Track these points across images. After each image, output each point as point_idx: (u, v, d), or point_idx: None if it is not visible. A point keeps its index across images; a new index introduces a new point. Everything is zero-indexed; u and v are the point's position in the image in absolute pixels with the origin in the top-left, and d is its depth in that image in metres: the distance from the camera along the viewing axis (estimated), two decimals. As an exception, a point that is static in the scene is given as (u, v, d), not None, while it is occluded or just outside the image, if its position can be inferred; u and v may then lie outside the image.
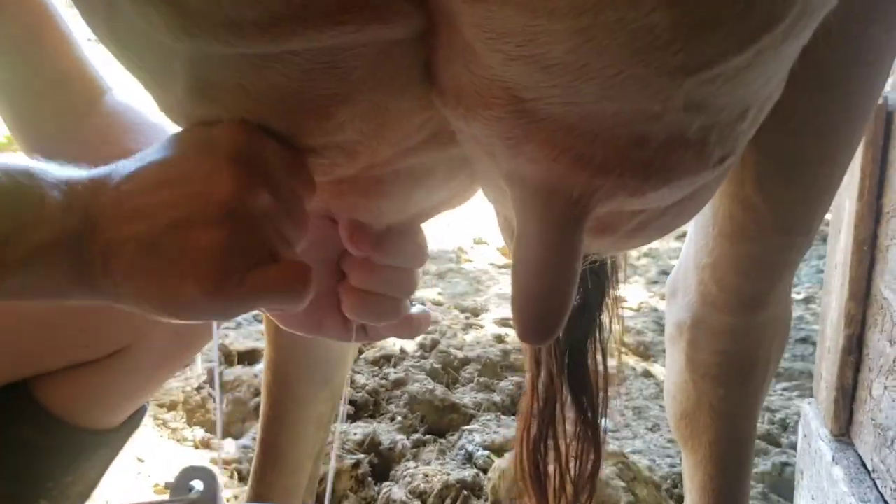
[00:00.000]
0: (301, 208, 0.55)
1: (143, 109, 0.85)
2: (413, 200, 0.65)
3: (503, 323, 2.74)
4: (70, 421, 0.86)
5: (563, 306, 0.51)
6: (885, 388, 1.13)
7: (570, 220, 0.50)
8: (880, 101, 1.12)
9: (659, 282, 3.29)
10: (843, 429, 1.26)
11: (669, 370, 0.91)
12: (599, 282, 0.99)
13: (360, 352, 2.41)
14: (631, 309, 3.02)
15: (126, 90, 0.83)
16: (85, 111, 0.83)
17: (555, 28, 0.39)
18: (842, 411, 1.25)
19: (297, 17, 0.42)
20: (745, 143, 0.53)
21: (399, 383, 2.21)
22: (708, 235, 0.78)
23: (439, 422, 2.10)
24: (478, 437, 1.97)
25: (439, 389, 2.17)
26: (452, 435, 2.02)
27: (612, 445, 1.91)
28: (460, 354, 2.39)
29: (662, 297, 2.98)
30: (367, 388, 2.18)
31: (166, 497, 0.71)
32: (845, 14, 0.61)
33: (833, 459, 1.24)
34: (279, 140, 0.52)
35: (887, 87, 1.14)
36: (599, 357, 1.01)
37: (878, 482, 1.15)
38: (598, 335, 1.02)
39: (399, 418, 2.07)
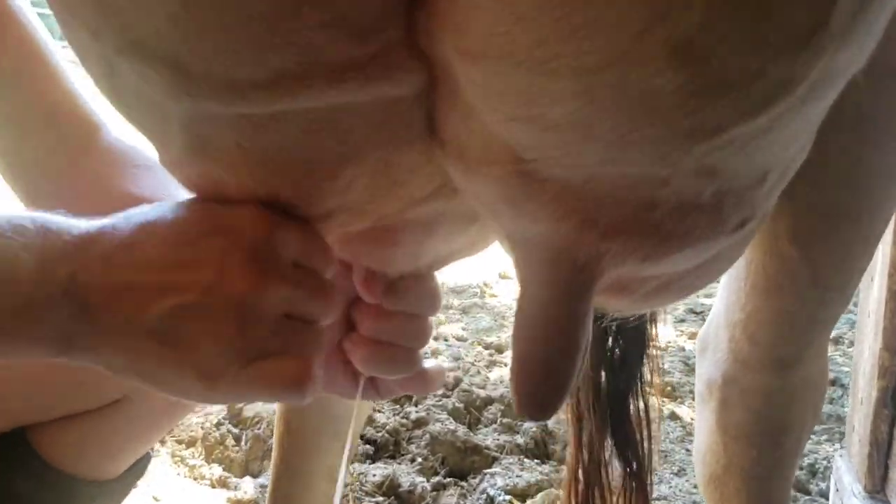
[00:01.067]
0: (321, 285, 0.53)
1: (139, 148, 0.83)
2: (425, 249, 0.62)
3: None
4: (69, 471, 0.84)
5: (565, 380, 0.49)
6: (922, 443, 1.10)
7: (575, 286, 0.48)
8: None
9: (686, 320, 3.24)
10: (878, 485, 1.22)
11: (699, 429, 0.88)
12: (638, 335, 0.97)
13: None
14: (657, 348, 2.98)
15: (120, 126, 0.82)
16: (80, 149, 0.81)
17: (554, 88, 0.37)
18: (876, 467, 1.21)
19: (298, 77, 0.41)
20: (768, 206, 0.51)
21: (420, 423, 2.18)
22: (740, 290, 0.75)
23: (461, 464, 2.06)
24: (500, 481, 1.94)
25: (461, 430, 2.14)
26: (474, 478, 1.99)
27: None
28: (483, 393, 2.35)
29: (690, 337, 2.94)
30: (387, 427, 2.15)
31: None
32: (882, 65, 0.59)
33: (868, 517, 1.20)
34: (296, 220, 0.51)
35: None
36: (642, 408, 0.99)
37: (915, 543, 1.11)
38: (639, 389, 1.00)
39: (419, 460, 2.04)
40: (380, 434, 2.13)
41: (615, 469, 1.04)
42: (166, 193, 0.76)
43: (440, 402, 2.30)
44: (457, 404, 2.30)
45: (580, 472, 1.03)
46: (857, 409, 1.28)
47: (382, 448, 2.10)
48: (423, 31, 0.41)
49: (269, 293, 0.48)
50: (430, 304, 0.66)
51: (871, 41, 0.41)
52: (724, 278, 0.80)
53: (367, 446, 2.07)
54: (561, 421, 2.27)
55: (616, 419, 0.99)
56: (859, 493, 1.24)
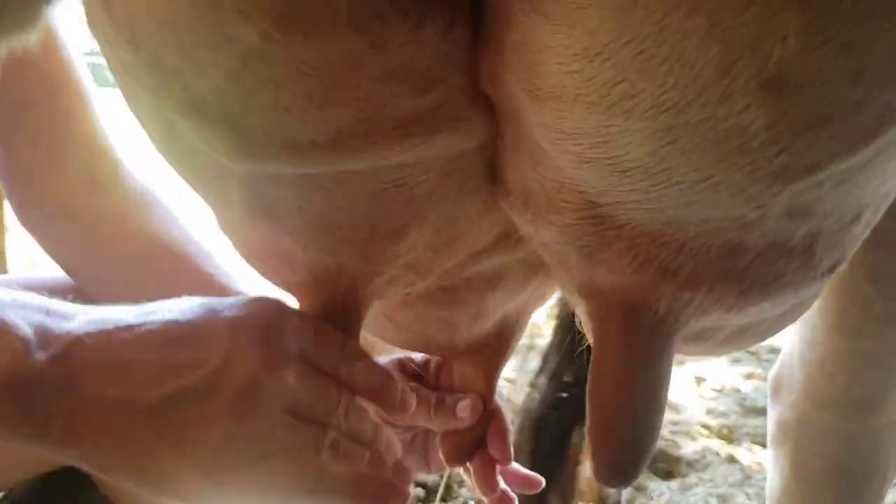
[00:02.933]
0: (327, 383, 0.49)
1: (155, 185, 0.83)
2: (488, 305, 0.61)
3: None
4: None
5: (650, 443, 0.46)
6: None
7: (655, 339, 0.45)
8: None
9: (742, 360, 3.18)
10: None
11: (773, 474, 0.85)
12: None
13: (432, 431, 2.38)
14: (713, 389, 2.93)
15: (136, 160, 0.81)
16: (107, 187, 0.80)
17: (632, 128, 0.36)
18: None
19: (361, 134, 0.40)
20: (857, 248, 0.48)
21: (472, 465, 2.17)
22: (815, 329, 0.74)
23: (513, 507, 2.04)
24: (555, 525, 1.92)
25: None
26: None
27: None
28: (531, 433, 2.34)
29: (746, 377, 2.89)
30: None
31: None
32: None
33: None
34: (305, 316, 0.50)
35: None
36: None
37: None
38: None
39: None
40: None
41: None
42: (184, 237, 0.77)
43: (492, 445, 2.28)
44: (507, 446, 2.28)
45: None
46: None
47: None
48: (488, 76, 0.40)
49: (272, 380, 0.45)
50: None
51: None
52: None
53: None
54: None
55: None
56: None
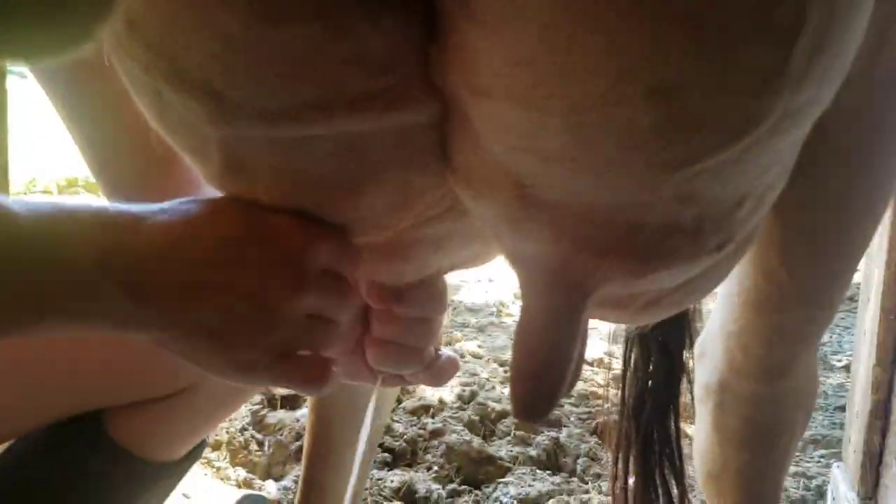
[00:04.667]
0: (345, 290, 0.59)
1: None
2: (430, 263, 0.68)
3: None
4: (138, 453, 0.92)
5: (557, 388, 0.53)
6: (911, 453, 1.16)
7: (570, 300, 0.52)
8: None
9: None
10: (870, 492, 1.28)
11: (698, 430, 0.94)
12: (674, 362, 1.03)
13: (399, 401, 2.46)
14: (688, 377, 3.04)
15: None
16: (163, 173, 0.89)
17: (549, 124, 0.42)
18: (868, 474, 1.27)
19: (321, 107, 0.46)
20: (747, 229, 0.55)
21: (437, 433, 2.25)
22: (734, 304, 0.80)
23: (475, 473, 2.12)
24: (513, 490, 2.00)
25: (476, 441, 2.20)
26: (487, 487, 2.05)
27: None
28: (498, 407, 2.42)
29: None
30: (405, 437, 2.22)
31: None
32: (862, 101, 0.65)
33: (860, 523, 1.26)
34: (333, 230, 0.56)
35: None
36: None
37: (903, 547, 1.17)
38: (676, 408, 1.06)
39: (435, 468, 2.11)
40: (397, 443, 2.20)
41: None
42: None
43: (456, 415, 2.36)
44: (472, 417, 2.36)
45: (626, 499, 1.08)
46: (853, 422, 1.34)
47: (400, 456, 2.17)
48: (437, 68, 0.45)
49: (300, 303, 0.54)
50: (436, 307, 0.71)
51: (831, 83, 0.45)
52: (720, 292, 0.86)
53: (385, 454, 2.14)
54: (573, 435, 2.34)
55: (659, 441, 1.05)
56: (853, 499, 1.30)
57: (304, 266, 0.54)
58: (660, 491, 1.09)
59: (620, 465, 1.11)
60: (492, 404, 2.43)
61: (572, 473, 2.15)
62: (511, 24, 0.39)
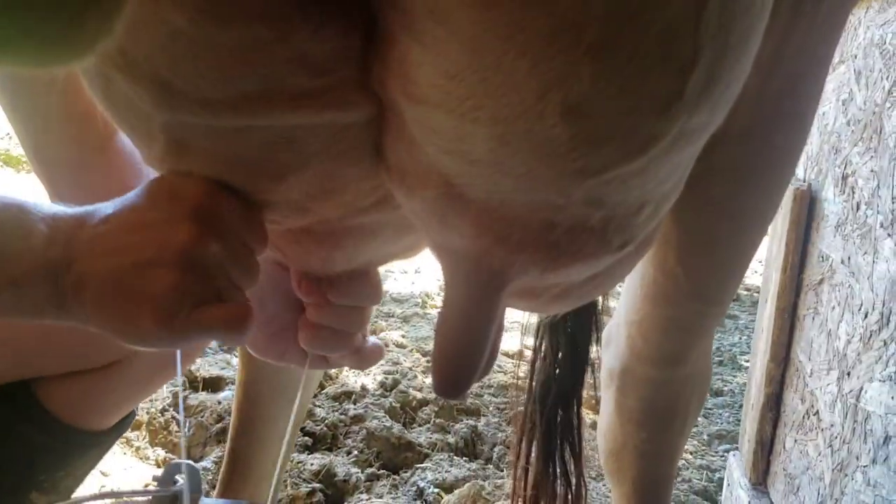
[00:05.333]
0: (251, 258, 0.61)
1: None
2: (361, 252, 0.71)
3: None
4: (67, 421, 0.95)
5: (475, 365, 0.58)
6: (795, 441, 1.26)
7: (489, 289, 0.56)
8: (804, 187, 1.27)
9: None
10: (761, 478, 1.38)
11: (602, 411, 1.01)
12: (582, 351, 1.10)
13: (322, 387, 2.50)
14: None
15: None
16: (99, 146, 0.92)
17: (477, 132, 0.45)
18: (760, 462, 1.37)
19: (261, 100, 0.49)
20: (646, 232, 0.60)
21: (358, 419, 2.29)
22: (636, 296, 0.86)
23: (394, 458, 2.18)
24: (430, 475, 2.06)
25: (396, 427, 2.25)
26: (406, 472, 2.10)
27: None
28: (419, 395, 2.47)
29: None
30: (326, 421, 2.26)
31: (153, 488, 0.80)
32: (752, 121, 0.71)
33: (749, 505, 1.36)
34: (238, 198, 0.59)
35: (812, 175, 1.28)
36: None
37: (786, 528, 1.27)
38: (579, 396, 1.13)
39: (355, 452, 2.15)
40: (319, 427, 2.23)
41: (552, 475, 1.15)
42: None
43: (378, 402, 2.41)
44: (393, 404, 2.42)
45: (526, 478, 1.14)
46: (749, 414, 1.44)
47: (321, 440, 2.20)
48: (375, 75, 0.49)
49: (206, 246, 0.56)
50: (370, 297, 0.75)
51: (723, 108, 0.50)
52: (625, 286, 0.93)
53: (307, 438, 2.18)
54: (490, 424, 2.41)
55: (561, 425, 1.11)
56: (745, 485, 1.40)
57: (210, 216, 0.57)
58: (558, 472, 1.16)
59: (524, 447, 1.17)
60: (413, 392, 2.49)
61: (488, 460, 2.22)
62: (445, 42, 0.43)
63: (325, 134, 0.53)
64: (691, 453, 2.43)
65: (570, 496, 1.15)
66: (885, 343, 0.94)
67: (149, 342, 0.58)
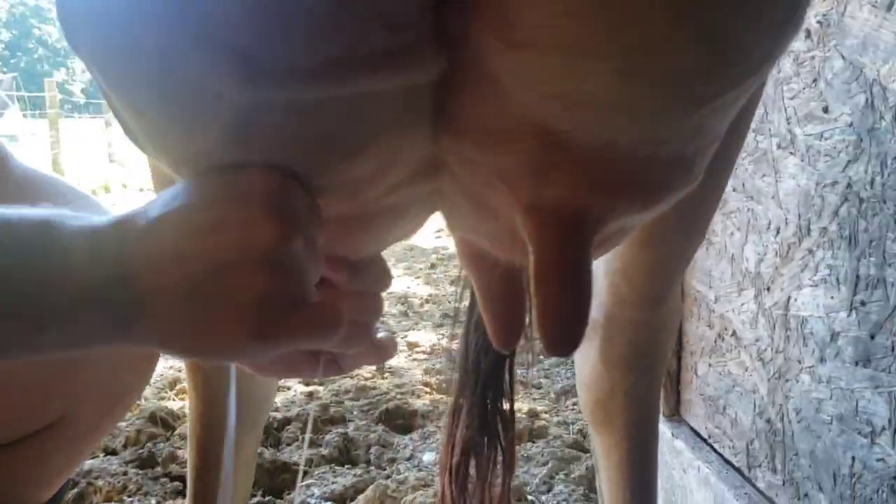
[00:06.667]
0: (319, 249, 0.57)
1: (49, 175, 0.83)
2: (388, 234, 0.69)
3: (307, 383, 2.77)
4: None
5: (587, 315, 0.56)
6: (710, 365, 1.35)
7: (587, 239, 0.54)
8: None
9: (444, 325, 3.49)
10: (674, 409, 1.48)
11: (582, 364, 1.03)
12: None
13: (173, 428, 2.33)
14: (425, 353, 3.18)
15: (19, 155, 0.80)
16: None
17: (597, 68, 0.44)
18: (671, 395, 1.46)
19: (346, 64, 0.46)
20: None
21: (221, 452, 2.17)
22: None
23: (272, 483, 2.08)
24: (317, 490, 1.99)
25: (267, 452, 2.15)
26: (289, 493, 2.02)
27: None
28: (279, 416, 2.38)
29: (450, 338, 3.17)
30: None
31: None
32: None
33: (672, 435, 1.44)
34: (301, 186, 0.54)
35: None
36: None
37: (715, 445, 1.36)
38: (512, 363, 1.12)
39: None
40: (184, 470, 2.08)
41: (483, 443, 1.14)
42: None
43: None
44: (255, 429, 2.31)
45: (456, 447, 1.12)
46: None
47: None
48: (459, 29, 0.46)
49: (291, 241, 0.51)
50: (384, 281, 0.71)
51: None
52: None
53: (176, 483, 2.02)
54: (360, 427, 2.37)
55: (493, 390, 1.10)
56: (661, 419, 1.49)
57: (285, 205, 0.52)
58: (491, 443, 1.16)
59: (456, 417, 1.16)
60: (271, 414, 2.38)
61: (368, 462, 2.18)
62: None
63: (396, 100, 0.50)
64: (546, 412, 2.54)
65: (502, 458, 1.16)
66: (809, 251, 1.03)
67: (240, 356, 0.53)
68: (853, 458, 0.95)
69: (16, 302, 0.46)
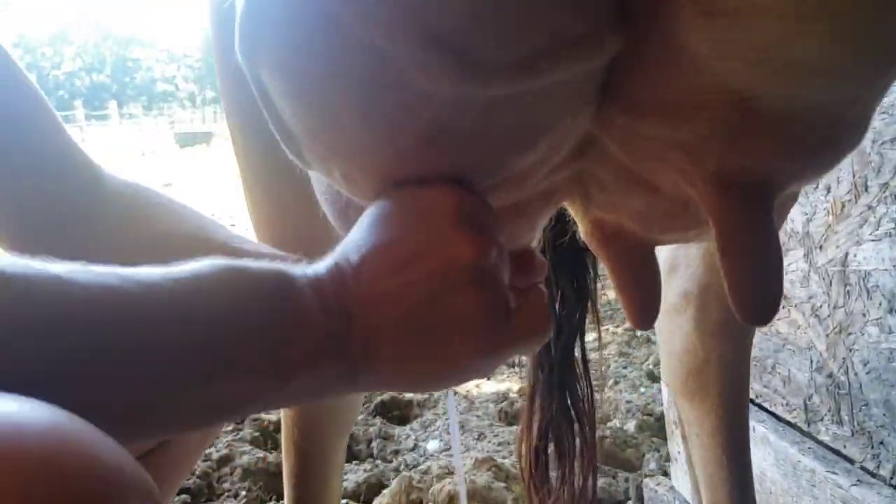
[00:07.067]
0: (505, 252, 0.56)
1: (142, 185, 0.78)
2: (542, 220, 0.68)
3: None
4: None
5: (781, 283, 0.56)
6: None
7: (770, 206, 0.55)
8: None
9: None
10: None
11: (671, 336, 1.03)
12: (580, 289, 1.09)
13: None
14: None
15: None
16: (93, 192, 0.74)
17: (810, 31, 0.43)
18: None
19: (550, 55, 0.45)
20: None
21: (225, 460, 2.11)
22: None
23: (280, 487, 2.04)
24: (329, 487, 1.97)
25: (270, 456, 2.12)
26: (301, 494, 1.99)
27: (480, 454, 2.01)
28: (273, 417, 2.33)
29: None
30: (195, 473, 2.05)
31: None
32: None
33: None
34: (476, 192, 0.54)
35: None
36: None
37: (765, 404, 1.38)
38: (582, 344, 1.12)
39: (243, 493, 1.98)
40: (190, 481, 2.02)
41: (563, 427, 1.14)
42: (202, 225, 0.73)
43: (238, 437, 2.24)
44: (254, 434, 2.26)
45: (534, 433, 1.12)
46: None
47: (198, 494, 2.00)
48: (647, 8, 0.46)
49: (489, 252, 0.51)
50: (543, 270, 0.69)
51: None
52: None
53: (184, 495, 1.96)
54: (358, 422, 2.33)
55: (566, 375, 1.10)
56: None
57: (474, 219, 0.52)
58: (569, 425, 1.16)
59: (533, 402, 1.16)
60: (264, 416, 2.34)
61: (373, 457, 2.18)
62: None
63: (572, 87, 0.50)
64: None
65: (583, 440, 1.16)
66: (869, 207, 1.06)
67: (471, 377, 0.52)
68: (939, 403, 0.99)
69: (262, 359, 0.45)
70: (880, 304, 1.05)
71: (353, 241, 0.51)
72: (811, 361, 1.22)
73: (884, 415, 1.07)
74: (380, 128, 0.50)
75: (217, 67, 0.92)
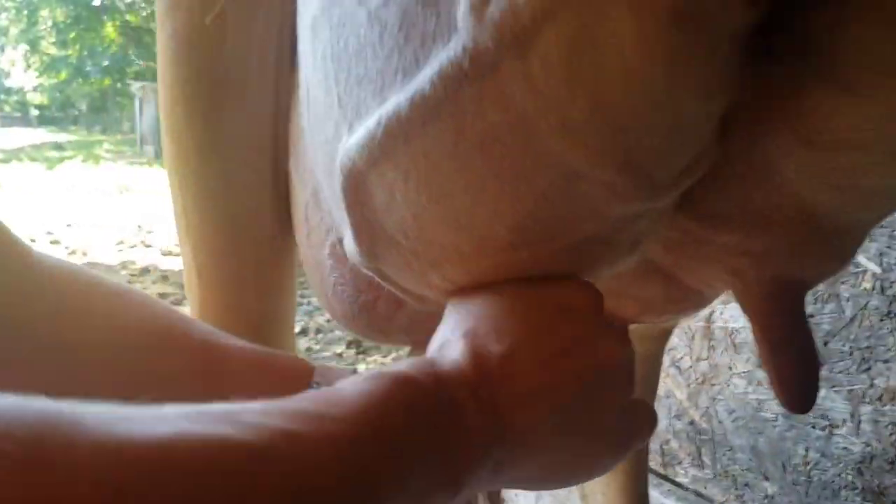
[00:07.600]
0: None
1: (73, 265, 0.65)
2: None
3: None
4: None
5: (818, 374, 0.60)
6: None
7: (803, 303, 0.59)
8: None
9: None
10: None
11: None
12: None
13: None
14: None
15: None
16: (21, 272, 0.60)
17: (881, 161, 0.47)
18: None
19: (686, 174, 0.47)
20: None
21: None
22: None
23: None
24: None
25: None
26: None
27: None
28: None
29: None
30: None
31: None
32: None
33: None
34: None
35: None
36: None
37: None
38: None
39: None
40: None
41: None
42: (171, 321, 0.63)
43: None
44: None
45: None
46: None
47: None
48: (744, 129, 0.48)
49: (631, 350, 0.51)
50: None
51: None
52: None
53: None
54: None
55: None
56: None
57: (605, 313, 0.52)
58: None
59: None
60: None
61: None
62: (884, 87, 0.44)
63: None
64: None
65: None
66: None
67: (600, 473, 0.52)
68: (807, 449, 1.11)
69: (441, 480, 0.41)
70: (748, 358, 1.16)
71: (485, 333, 0.48)
72: (669, 409, 1.31)
73: (750, 459, 1.17)
74: (537, 234, 0.48)
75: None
